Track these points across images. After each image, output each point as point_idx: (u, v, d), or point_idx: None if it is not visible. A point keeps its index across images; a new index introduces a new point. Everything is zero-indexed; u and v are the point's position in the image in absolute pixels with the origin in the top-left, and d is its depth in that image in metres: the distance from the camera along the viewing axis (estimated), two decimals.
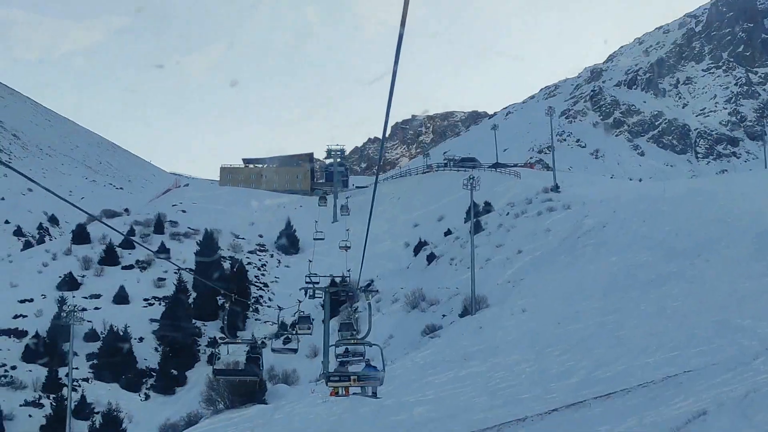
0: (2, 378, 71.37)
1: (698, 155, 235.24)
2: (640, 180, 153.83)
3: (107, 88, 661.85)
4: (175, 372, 75.93)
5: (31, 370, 72.31)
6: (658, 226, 62.26)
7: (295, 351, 33.60)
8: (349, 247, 55.58)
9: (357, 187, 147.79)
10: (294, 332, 34.57)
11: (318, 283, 34.14)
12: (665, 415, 25.49)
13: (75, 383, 71.73)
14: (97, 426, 57.29)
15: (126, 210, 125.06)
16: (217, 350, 24.81)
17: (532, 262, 67.81)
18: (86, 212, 21.08)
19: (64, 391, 64.87)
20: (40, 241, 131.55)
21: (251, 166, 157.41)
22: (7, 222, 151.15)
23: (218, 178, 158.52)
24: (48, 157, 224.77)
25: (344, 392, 27.88)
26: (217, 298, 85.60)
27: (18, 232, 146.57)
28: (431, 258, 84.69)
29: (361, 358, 30.74)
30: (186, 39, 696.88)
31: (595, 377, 35.04)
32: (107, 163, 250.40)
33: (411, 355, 52.76)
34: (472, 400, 36.77)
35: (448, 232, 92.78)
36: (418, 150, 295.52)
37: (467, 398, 37.36)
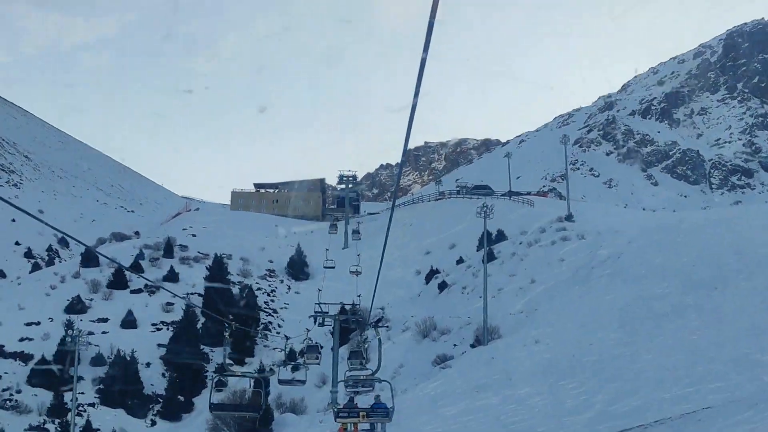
0: (7, 402, 70.65)
1: (712, 186, 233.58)
2: (654, 210, 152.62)
3: (124, 112, 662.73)
4: (182, 398, 75.04)
5: (36, 395, 71.59)
6: (675, 257, 61.27)
7: (303, 383, 32.83)
8: (360, 272, 54.74)
9: (368, 214, 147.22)
10: (302, 361, 33.79)
11: (327, 312, 33.43)
12: None
13: (80, 408, 70.99)
14: None
15: (136, 233, 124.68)
16: (212, 382, 23.84)
17: (546, 292, 66.85)
18: (79, 241, 19.96)
19: (70, 416, 64.11)
20: (50, 263, 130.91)
21: (262, 191, 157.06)
22: (17, 243, 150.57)
23: (229, 202, 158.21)
24: (59, 179, 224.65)
25: (353, 428, 27.21)
26: (226, 323, 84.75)
27: (28, 254, 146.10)
28: (443, 286, 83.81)
29: (371, 388, 30.00)
30: (213, 65, 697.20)
31: (611, 412, 34.20)
32: (119, 185, 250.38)
33: (421, 385, 51.93)
34: None
35: (460, 260, 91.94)
36: (431, 177, 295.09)
37: (479, 431, 36.50)
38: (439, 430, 37.80)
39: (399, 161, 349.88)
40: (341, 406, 26.99)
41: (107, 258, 73.79)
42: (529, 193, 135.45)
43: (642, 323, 48.75)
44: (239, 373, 28.01)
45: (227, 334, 28.58)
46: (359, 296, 36.15)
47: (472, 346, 60.99)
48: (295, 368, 36.64)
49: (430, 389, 48.91)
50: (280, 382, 37.57)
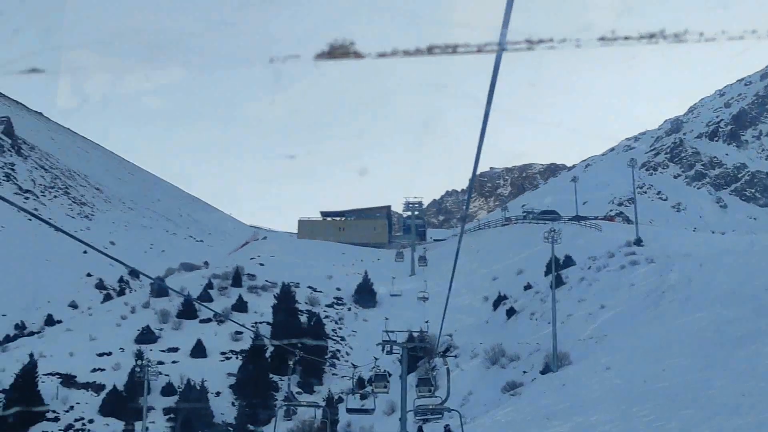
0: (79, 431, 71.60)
1: None
2: (723, 233, 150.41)
3: (192, 141, 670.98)
4: (252, 427, 75.32)
5: (108, 424, 72.49)
6: (747, 281, 60.08)
7: (372, 411, 32.70)
8: (427, 298, 54.83)
9: (434, 240, 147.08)
10: (371, 390, 33.71)
11: (395, 341, 33.31)
12: None
13: None
14: None
15: (205, 263, 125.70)
16: (278, 411, 23.52)
17: (616, 318, 66.04)
18: (146, 275, 20.23)
19: None
20: (121, 294, 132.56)
21: (329, 219, 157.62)
22: (89, 275, 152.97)
23: (296, 231, 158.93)
24: (130, 211, 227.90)
25: None
26: (295, 352, 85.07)
27: (100, 285, 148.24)
28: (511, 312, 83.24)
29: (440, 416, 29.91)
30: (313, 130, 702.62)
31: None
32: (188, 215, 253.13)
33: (491, 413, 51.46)
34: None
35: (528, 286, 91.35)
36: (496, 203, 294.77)
37: None
38: None
39: (465, 187, 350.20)
40: None
41: (174, 291, 74.39)
42: (596, 218, 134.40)
43: (715, 348, 47.77)
44: (305, 403, 27.86)
45: (292, 362, 28.61)
46: (427, 322, 36.13)
47: (542, 372, 60.33)
48: (363, 396, 36.64)
49: (500, 416, 48.43)
50: (349, 410, 37.44)
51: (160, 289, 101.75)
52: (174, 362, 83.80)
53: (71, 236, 13.66)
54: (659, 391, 42.67)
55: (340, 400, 72.56)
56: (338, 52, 5.54)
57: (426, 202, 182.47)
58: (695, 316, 56.49)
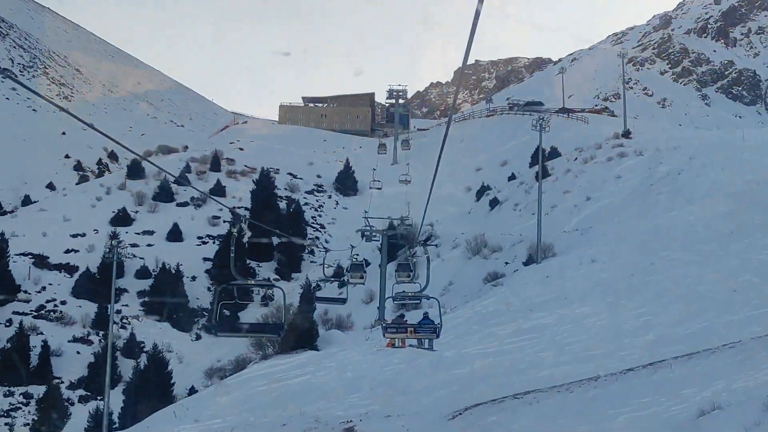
0: (51, 313, 70.30)
1: None
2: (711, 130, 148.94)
3: (174, 25, 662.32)
4: (227, 312, 73.91)
5: (81, 306, 71.19)
6: (738, 175, 58.62)
7: (343, 302, 31.50)
8: (410, 181, 53.22)
9: (418, 129, 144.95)
10: (346, 279, 32.40)
11: (375, 228, 31.92)
12: (757, 380, 22.56)
13: (125, 321, 70.46)
14: (142, 367, 55.22)
15: (185, 147, 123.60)
16: (217, 294, 20.25)
17: (602, 210, 64.67)
18: (132, 151, 18.08)
19: (114, 328, 63.38)
20: (100, 177, 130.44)
21: (311, 105, 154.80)
22: (67, 157, 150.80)
23: (277, 118, 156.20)
24: (110, 93, 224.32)
25: (401, 344, 26.43)
26: (273, 238, 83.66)
27: (78, 167, 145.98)
28: (494, 203, 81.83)
29: (418, 302, 28.91)
30: None
31: (674, 335, 32.13)
32: (169, 100, 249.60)
33: (472, 303, 50.22)
34: (538, 355, 34.14)
35: (512, 177, 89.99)
36: (481, 96, 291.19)
37: (532, 352, 34.70)
38: (492, 350, 35.97)
39: (449, 80, 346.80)
40: (389, 322, 26.10)
41: (158, 167, 72.08)
42: (583, 110, 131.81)
43: (706, 243, 46.40)
44: (252, 282, 24.82)
45: (234, 230, 26.32)
46: (408, 204, 34.57)
47: (525, 264, 59.10)
48: (341, 285, 35.28)
49: (481, 308, 47.08)
50: (318, 299, 36.05)
51: (136, 171, 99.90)
52: (149, 245, 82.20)
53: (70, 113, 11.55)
54: (648, 284, 41.39)
55: (318, 287, 71.38)
56: None
57: (410, 94, 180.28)
58: (685, 209, 55.13)
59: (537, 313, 41.24)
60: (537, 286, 49.32)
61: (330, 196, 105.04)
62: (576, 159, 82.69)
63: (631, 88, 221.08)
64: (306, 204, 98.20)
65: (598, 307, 39.38)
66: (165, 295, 71.48)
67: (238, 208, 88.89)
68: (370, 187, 61.36)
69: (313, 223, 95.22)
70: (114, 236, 75.81)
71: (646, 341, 32.20)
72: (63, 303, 71.67)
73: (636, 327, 34.72)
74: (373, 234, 32.95)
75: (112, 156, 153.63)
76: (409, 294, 25.66)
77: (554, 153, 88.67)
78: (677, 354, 28.31)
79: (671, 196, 59.74)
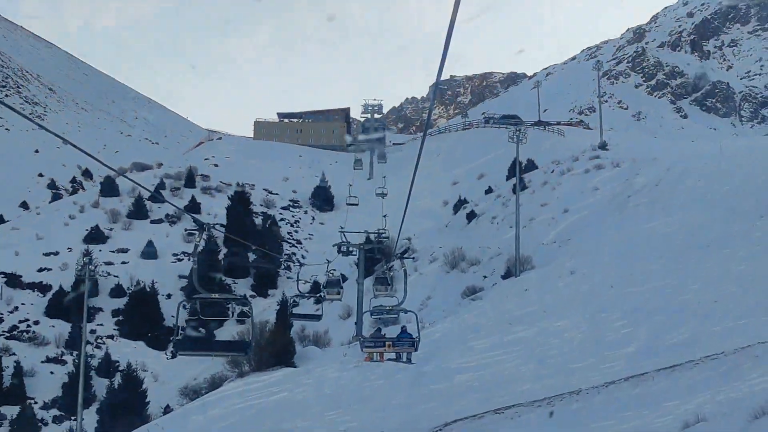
0: (24, 333, 69.40)
1: (742, 119, 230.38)
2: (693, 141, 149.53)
3: (150, 45, 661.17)
4: (202, 330, 73.14)
5: (54, 326, 70.28)
6: (717, 185, 58.27)
7: (318, 318, 31.21)
8: (386, 194, 52.99)
9: (394, 144, 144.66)
10: (323, 295, 32.09)
11: (351, 244, 31.74)
12: (742, 391, 22.38)
13: (99, 340, 69.67)
14: (116, 386, 54.39)
15: (159, 164, 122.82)
16: (178, 308, 18.73)
17: (580, 222, 64.17)
18: (107, 165, 17.26)
19: (89, 348, 62.62)
20: (73, 194, 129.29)
21: (286, 121, 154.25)
22: (41, 175, 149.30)
23: (252, 134, 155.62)
24: (84, 112, 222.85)
25: (379, 358, 26.49)
26: (249, 254, 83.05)
27: (51, 185, 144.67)
28: (471, 216, 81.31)
29: (396, 316, 28.83)
30: None
31: (656, 346, 31.73)
32: (143, 118, 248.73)
33: (451, 317, 49.64)
34: (519, 369, 33.69)
35: (489, 190, 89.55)
36: (456, 111, 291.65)
37: (513, 366, 34.24)
38: (471, 364, 35.47)
39: (425, 95, 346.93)
40: (367, 337, 26.23)
41: (135, 183, 71.79)
42: (559, 123, 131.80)
43: (685, 253, 46.03)
44: (216, 296, 22.44)
45: (198, 240, 25.83)
46: (385, 216, 34.28)
47: (504, 277, 58.56)
48: (317, 301, 34.85)
49: (459, 322, 46.59)
50: (292, 316, 35.64)
51: (110, 188, 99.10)
52: (124, 263, 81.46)
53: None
54: (628, 296, 41.01)
55: (296, 304, 70.58)
56: None
57: (385, 110, 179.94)
58: (664, 220, 54.83)
59: (517, 326, 40.77)
60: (516, 299, 48.83)
61: (306, 212, 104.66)
62: (553, 171, 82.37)
63: (606, 101, 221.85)
64: (282, 219, 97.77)
65: (579, 320, 38.96)
66: (140, 313, 70.76)
67: (214, 225, 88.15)
68: (347, 203, 61.15)
69: (289, 238, 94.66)
70: (87, 254, 75.01)
71: (628, 353, 31.82)
72: (36, 323, 70.77)
73: (617, 339, 34.31)
74: (350, 249, 32.65)
75: (87, 174, 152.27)
76: (387, 308, 25.44)
77: (531, 165, 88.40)
78: (660, 366, 27.96)
79: (649, 207, 59.35)
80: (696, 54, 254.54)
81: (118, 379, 57.89)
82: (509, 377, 32.41)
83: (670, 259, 45.96)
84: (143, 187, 31.89)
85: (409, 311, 25.20)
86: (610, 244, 54.80)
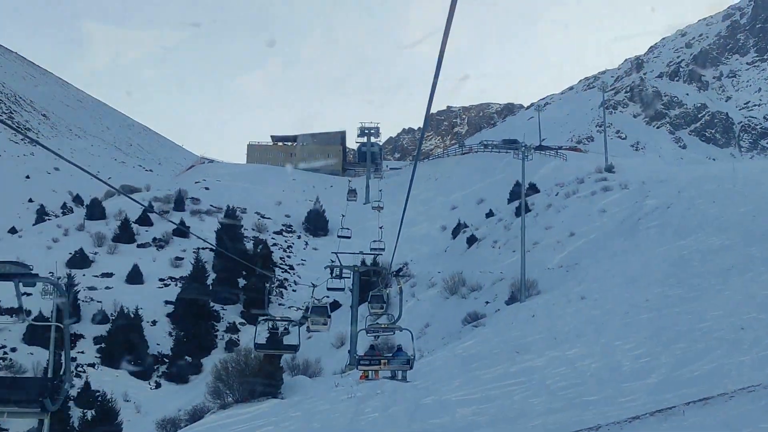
0: (1, 361, 66.48)
1: (742, 149, 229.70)
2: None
3: (145, 70, 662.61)
4: (189, 359, 70.39)
5: (32, 353, 67.29)
6: (731, 208, 55.77)
7: (295, 350, 29.83)
8: (383, 208, 50.96)
9: (391, 169, 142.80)
10: (307, 326, 30.08)
11: (344, 266, 29.97)
12: None
13: (79, 369, 66.77)
14: (89, 418, 51.12)
15: (147, 187, 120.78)
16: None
17: (587, 245, 61.54)
18: (107, 183, 16.70)
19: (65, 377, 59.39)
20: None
21: (280, 144, 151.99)
22: (30, 201, 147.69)
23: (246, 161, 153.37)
24: (78, 138, 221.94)
25: (374, 375, 25.38)
26: (238, 280, 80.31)
27: (41, 211, 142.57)
28: (472, 241, 78.71)
29: (392, 333, 27.08)
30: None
31: (680, 377, 28.66)
32: (138, 145, 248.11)
33: (452, 345, 46.72)
34: (528, 401, 30.51)
35: (490, 214, 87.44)
36: (453, 141, 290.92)
37: (521, 399, 31.08)
38: (475, 397, 32.35)
39: (422, 125, 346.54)
40: (362, 355, 25.09)
41: (130, 198, 69.40)
42: (560, 148, 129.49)
43: (703, 278, 43.25)
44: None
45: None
46: (381, 228, 31.96)
47: (507, 303, 55.79)
48: (295, 326, 33.01)
49: (461, 350, 43.59)
50: (257, 347, 34.35)
51: (96, 211, 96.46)
52: (108, 288, 78.53)
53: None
54: (645, 322, 38.11)
55: (286, 331, 68.18)
56: None
57: (383, 140, 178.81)
58: (677, 244, 52.16)
59: (524, 355, 37.75)
60: (522, 326, 46.00)
61: (299, 237, 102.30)
62: (557, 194, 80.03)
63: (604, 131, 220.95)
64: (274, 244, 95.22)
65: (592, 348, 35.94)
66: (123, 340, 67.80)
67: (203, 249, 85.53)
68: (339, 236, 59.45)
69: (282, 264, 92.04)
70: (68, 278, 72.14)
71: (649, 385, 28.76)
72: (13, 350, 67.86)
73: (635, 369, 31.28)
74: (343, 273, 31.13)
75: (77, 199, 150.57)
76: (383, 325, 23.69)
77: (533, 189, 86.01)
78: (687, 399, 24.92)
79: (661, 230, 56.75)
80: (694, 84, 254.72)
81: (91, 411, 54.77)
82: (517, 411, 29.31)
83: (687, 284, 43.16)
84: (141, 204, 30.55)
85: (405, 329, 23.97)
86: (621, 268, 52.10)
